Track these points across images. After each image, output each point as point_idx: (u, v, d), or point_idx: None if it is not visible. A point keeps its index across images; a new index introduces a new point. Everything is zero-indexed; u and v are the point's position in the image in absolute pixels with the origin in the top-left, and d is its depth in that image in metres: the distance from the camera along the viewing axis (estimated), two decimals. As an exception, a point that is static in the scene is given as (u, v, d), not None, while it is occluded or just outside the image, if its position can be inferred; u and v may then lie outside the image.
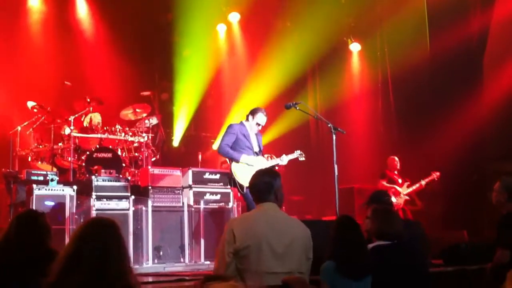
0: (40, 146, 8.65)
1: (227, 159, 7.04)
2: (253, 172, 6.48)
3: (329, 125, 6.53)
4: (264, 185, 3.79)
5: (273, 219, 3.71)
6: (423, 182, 9.38)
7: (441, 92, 10.37)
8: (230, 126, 7.01)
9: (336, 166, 6.36)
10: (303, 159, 7.10)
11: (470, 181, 9.88)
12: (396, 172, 9.63)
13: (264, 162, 6.86)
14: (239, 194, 7.57)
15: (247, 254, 3.51)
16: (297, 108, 6.80)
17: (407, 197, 9.40)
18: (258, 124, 6.97)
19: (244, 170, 6.65)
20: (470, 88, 9.99)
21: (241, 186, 6.66)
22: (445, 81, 10.30)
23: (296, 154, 7.06)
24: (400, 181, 9.54)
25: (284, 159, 6.97)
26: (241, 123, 7.06)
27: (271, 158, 7.02)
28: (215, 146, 11.72)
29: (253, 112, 7.00)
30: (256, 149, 7.00)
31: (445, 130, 10.01)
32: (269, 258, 3.53)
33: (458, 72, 10.10)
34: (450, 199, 9.95)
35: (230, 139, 6.84)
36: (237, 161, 6.73)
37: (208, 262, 7.48)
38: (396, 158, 9.67)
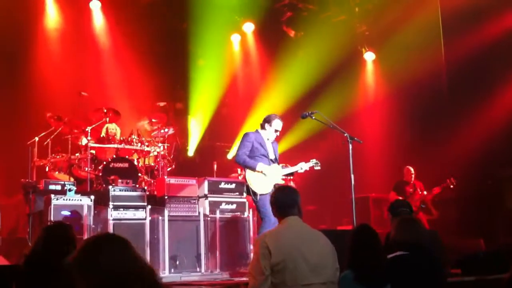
0: (58, 157, 8.73)
1: (240, 168, 6.99)
2: (267, 180, 6.40)
3: (345, 135, 6.52)
4: (289, 199, 3.84)
5: (302, 232, 3.76)
6: (425, 192, 9.40)
7: (455, 99, 10.34)
8: (246, 135, 6.93)
9: (352, 176, 6.35)
10: (319, 168, 7.03)
11: (484, 187, 9.83)
12: (412, 182, 9.57)
13: (279, 171, 6.80)
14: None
15: (283, 268, 3.53)
16: (313, 117, 6.76)
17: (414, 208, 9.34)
18: (276, 131, 6.88)
19: (259, 178, 6.61)
20: (484, 94, 9.95)
21: (255, 194, 6.58)
22: (459, 88, 10.28)
23: (312, 163, 6.99)
24: (411, 191, 9.49)
25: (303, 167, 6.91)
26: (257, 131, 6.99)
27: (286, 167, 6.99)
28: (230, 156, 11.77)
29: (269, 120, 6.89)
30: (272, 156, 6.92)
31: (459, 137, 9.97)
32: (304, 271, 3.55)
33: (472, 79, 10.07)
34: (465, 206, 9.90)
35: (247, 147, 6.77)
36: (254, 170, 6.65)
37: (224, 272, 7.51)
38: (411, 169, 9.62)
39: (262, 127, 6.95)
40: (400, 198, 9.27)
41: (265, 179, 6.60)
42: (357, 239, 3.85)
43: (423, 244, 4.08)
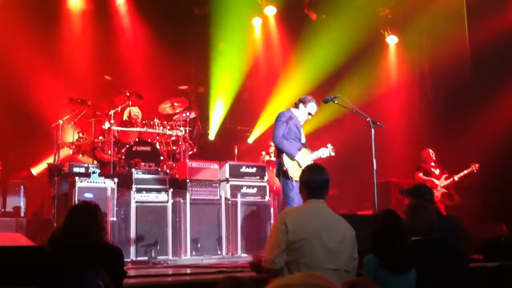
0: (81, 140, 8.85)
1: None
2: (301, 169, 6.25)
3: (367, 119, 6.47)
4: (324, 182, 3.79)
5: (324, 216, 3.74)
6: (456, 178, 9.11)
7: (479, 84, 10.19)
8: (282, 115, 6.63)
9: (374, 160, 6.32)
10: (333, 154, 6.80)
11: (508, 173, 9.70)
12: (432, 164, 9.39)
13: (308, 156, 6.61)
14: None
15: (299, 247, 3.55)
16: (335, 102, 6.69)
17: (444, 190, 9.12)
18: (309, 114, 6.70)
19: (296, 164, 6.44)
20: (509, 79, 9.79)
21: (291, 180, 6.36)
22: (484, 72, 10.12)
23: (329, 148, 6.79)
24: (437, 172, 9.28)
25: (325, 153, 6.73)
26: (289, 110, 6.73)
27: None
28: (250, 140, 11.80)
29: (305, 101, 6.68)
30: (303, 140, 6.76)
31: (482, 122, 9.84)
32: (320, 253, 3.55)
33: (497, 63, 9.90)
34: (488, 192, 9.79)
35: (284, 128, 6.51)
36: (291, 158, 6.43)
37: (245, 255, 7.58)
38: (431, 151, 9.46)
39: (296, 106, 6.72)
40: (429, 179, 9.11)
41: (299, 167, 6.42)
42: (383, 225, 3.84)
43: (436, 230, 4.06)
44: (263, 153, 9.83)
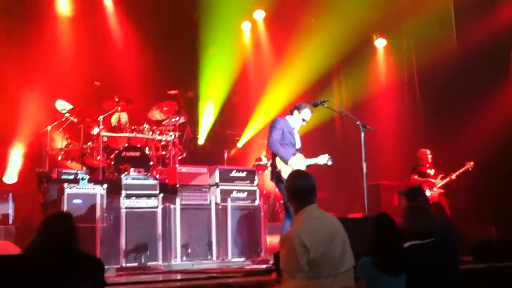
0: (70, 146, 8.79)
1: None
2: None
3: (357, 123, 6.49)
4: (312, 187, 3.74)
5: (325, 223, 3.69)
6: (453, 176, 9.02)
7: (468, 86, 10.26)
8: (276, 121, 6.74)
9: (364, 164, 6.34)
10: (330, 163, 6.85)
11: (499, 175, 9.76)
12: (428, 165, 9.28)
13: (303, 161, 6.66)
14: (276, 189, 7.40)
15: (321, 261, 3.46)
16: (325, 106, 6.73)
17: (441, 190, 9.03)
18: (303, 120, 6.78)
19: (288, 167, 6.44)
20: (499, 80, 9.86)
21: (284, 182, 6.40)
22: (473, 74, 10.19)
23: (327, 157, 6.83)
24: (432, 173, 9.19)
25: (323, 160, 6.77)
26: (285, 118, 6.84)
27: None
28: (240, 144, 11.79)
29: (299, 108, 6.78)
30: (298, 145, 6.81)
31: (472, 123, 9.91)
32: (333, 262, 3.51)
33: (487, 65, 9.97)
34: (478, 194, 9.83)
35: (278, 134, 6.60)
36: (285, 162, 6.47)
37: (235, 259, 7.56)
38: (427, 151, 9.35)
39: (291, 113, 6.83)
40: (425, 180, 9.06)
41: (294, 168, 6.41)
42: (378, 228, 3.86)
43: (435, 232, 4.06)
44: (262, 156, 9.89)
